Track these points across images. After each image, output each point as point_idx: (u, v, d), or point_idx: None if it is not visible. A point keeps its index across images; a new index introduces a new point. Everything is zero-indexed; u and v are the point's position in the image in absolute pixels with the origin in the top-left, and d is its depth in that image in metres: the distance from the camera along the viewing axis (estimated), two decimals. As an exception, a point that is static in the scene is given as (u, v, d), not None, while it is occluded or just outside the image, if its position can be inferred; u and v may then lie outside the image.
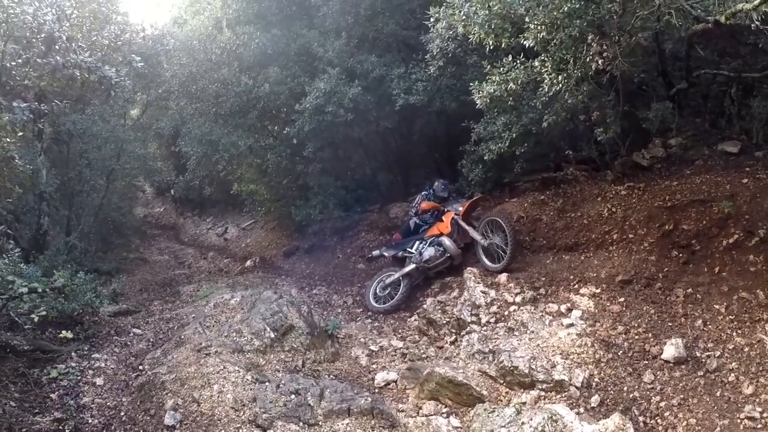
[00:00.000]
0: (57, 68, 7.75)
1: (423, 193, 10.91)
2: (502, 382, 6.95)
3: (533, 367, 6.77)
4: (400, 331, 9.23)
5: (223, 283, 12.26)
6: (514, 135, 9.11)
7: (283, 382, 6.65)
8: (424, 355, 8.16)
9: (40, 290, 7.41)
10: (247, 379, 6.63)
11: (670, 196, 8.15)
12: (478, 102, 8.45)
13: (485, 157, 9.63)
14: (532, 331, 7.49)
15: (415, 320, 9.13)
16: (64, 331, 7.53)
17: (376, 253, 11.18)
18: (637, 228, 8.32)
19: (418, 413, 6.74)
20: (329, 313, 10.14)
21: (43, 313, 7.13)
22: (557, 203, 9.45)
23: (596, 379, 6.65)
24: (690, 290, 7.41)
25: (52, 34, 7.67)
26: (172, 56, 14.02)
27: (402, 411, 6.77)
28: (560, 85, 7.56)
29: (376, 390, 7.36)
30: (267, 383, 6.63)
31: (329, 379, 7.28)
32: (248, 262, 15.18)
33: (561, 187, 9.55)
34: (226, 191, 17.65)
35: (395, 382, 7.51)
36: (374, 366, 8.08)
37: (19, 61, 7.49)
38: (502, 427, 5.78)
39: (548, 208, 9.58)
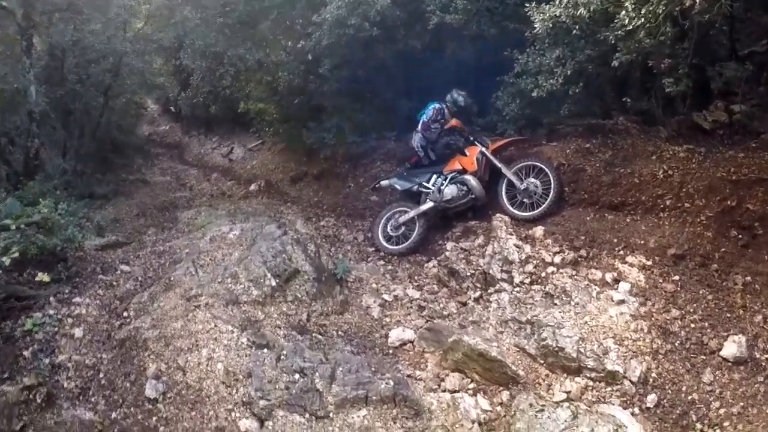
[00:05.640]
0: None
1: (435, 106, 9.76)
2: (542, 362, 6.21)
3: (582, 350, 6.01)
4: (416, 278, 8.39)
5: (224, 209, 11.50)
6: (568, 72, 8.00)
7: (285, 352, 5.85)
8: (444, 312, 7.36)
9: (14, 228, 6.76)
10: (242, 343, 5.90)
11: (736, 169, 7.21)
12: (537, 26, 7.23)
13: (533, 94, 8.43)
14: (577, 303, 6.63)
15: (434, 267, 8.32)
16: (40, 274, 6.85)
17: (385, 183, 10.15)
18: (695, 197, 7.40)
19: (439, 386, 6.06)
20: (338, 250, 9.37)
21: (16, 255, 6.52)
22: (605, 155, 8.46)
23: (654, 375, 5.94)
24: (749, 278, 6.59)
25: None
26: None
27: (421, 380, 6.13)
28: (641, 20, 6.41)
29: (390, 351, 6.65)
30: (265, 350, 5.86)
31: (340, 341, 6.53)
32: (253, 186, 14.49)
33: (610, 137, 8.56)
34: (233, 110, 16.90)
35: (412, 342, 6.78)
36: (387, 319, 7.34)
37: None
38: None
39: (594, 158, 8.58)
